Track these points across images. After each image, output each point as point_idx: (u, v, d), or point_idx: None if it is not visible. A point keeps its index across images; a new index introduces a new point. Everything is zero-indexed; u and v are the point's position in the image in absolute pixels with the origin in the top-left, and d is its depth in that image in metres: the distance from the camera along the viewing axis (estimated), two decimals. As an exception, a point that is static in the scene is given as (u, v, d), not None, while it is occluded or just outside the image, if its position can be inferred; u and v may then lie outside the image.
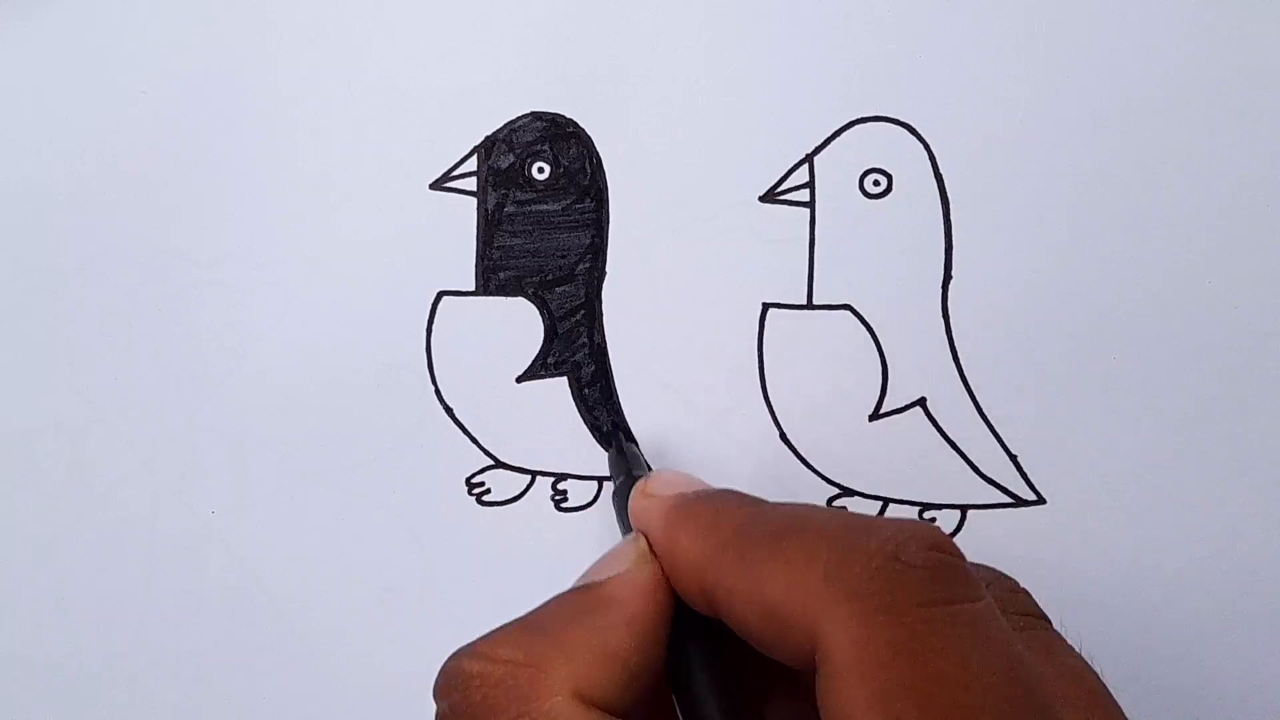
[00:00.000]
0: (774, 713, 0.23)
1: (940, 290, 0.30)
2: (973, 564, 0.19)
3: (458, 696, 0.20)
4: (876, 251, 0.30)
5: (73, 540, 0.31)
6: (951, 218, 0.30)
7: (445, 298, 0.31)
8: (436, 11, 0.30)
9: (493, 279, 0.31)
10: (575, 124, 0.30)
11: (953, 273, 0.30)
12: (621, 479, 0.26)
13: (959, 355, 0.30)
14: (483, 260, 0.31)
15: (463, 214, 0.31)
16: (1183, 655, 0.29)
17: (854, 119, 0.30)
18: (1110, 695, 0.21)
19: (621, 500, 0.25)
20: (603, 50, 0.30)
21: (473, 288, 0.31)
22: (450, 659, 0.20)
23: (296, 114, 0.31)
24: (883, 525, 0.19)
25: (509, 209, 0.30)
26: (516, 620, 0.21)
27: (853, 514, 0.20)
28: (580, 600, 0.21)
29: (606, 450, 0.30)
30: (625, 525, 0.24)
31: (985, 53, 0.29)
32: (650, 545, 0.22)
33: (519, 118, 0.30)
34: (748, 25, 0.30)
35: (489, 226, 0.31)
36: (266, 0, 0.30)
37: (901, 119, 0.30)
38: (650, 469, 0.27)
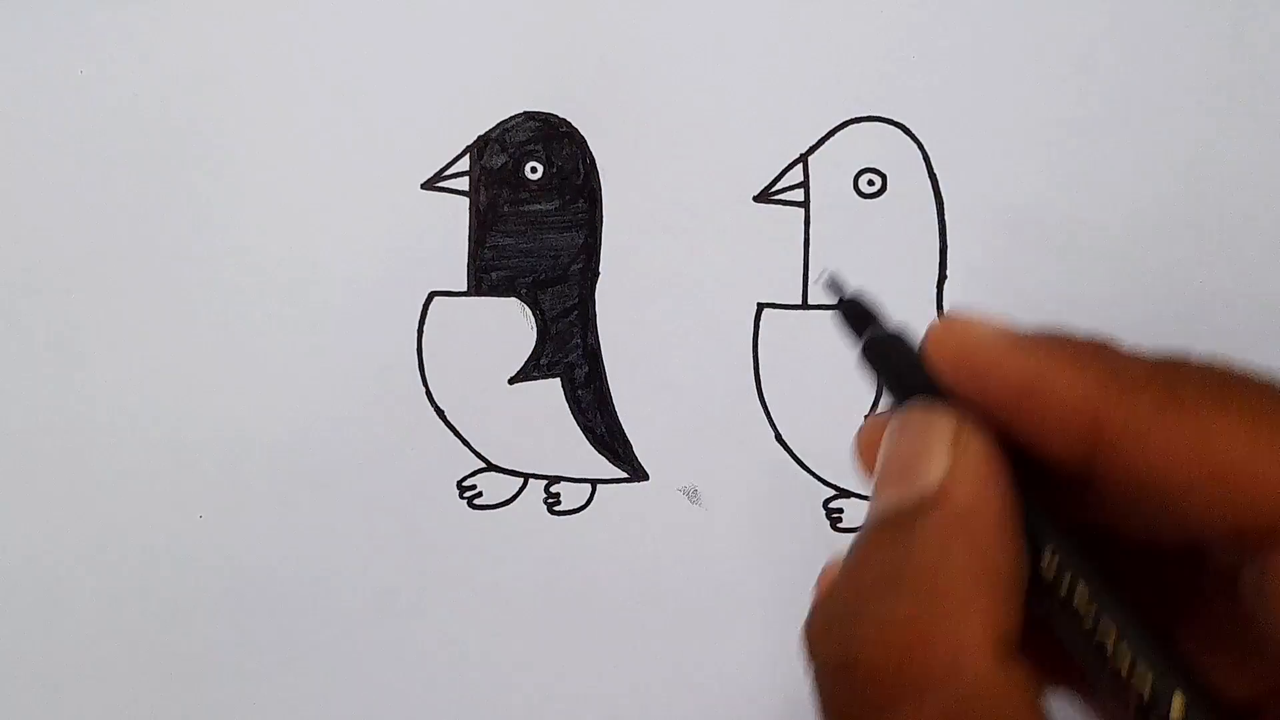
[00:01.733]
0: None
1: (935, 289, 0.30)
2: None
3: (861, 672, 0.16)
4: (871, 251, 0.30)
5: (67, 541, 0.31)
6: (946, 217, 0.30)
7: (437, 298, 0.30)
8: (429, 11, 0.30)
9: (485, 279, 0.30)
10: (568, 124, 0.30)
11: (947, 272, 0.29)
12: (880, 331, 0.20)
13: (955, 356, 0.29)
14: (475, 260, 0.30)
15: (455, 214, 0.30)
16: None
17: (848, 119, 0.30)
18: None
19: (878, 357, 0.20)
20: (596, 50, 0.30)
21: (465, 288, 0.30)
22: (830, 625, 0.16)
23: (289, 114, 0.30)
24: None
25: (502, 209, 0.30)
26: (882, 571, 0.16)
27: None
28: (941, 523, 0.16)
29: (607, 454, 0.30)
30: (896, 386, 0.19)
31: (979, 52, 0.29)
32: (975, 390, 0.18)
33: (512, 117, 0.30)
34: (741, 25, 0.30)
35: (481, 226, 0.30)
36: (259, 2, 0.30)
37: (895, 119, 0.30)
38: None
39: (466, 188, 0.30)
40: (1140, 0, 0.29)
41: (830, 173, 0.30)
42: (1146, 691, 0.15)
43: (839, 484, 0.30)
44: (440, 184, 0.30)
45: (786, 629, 0.30)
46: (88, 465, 0.30)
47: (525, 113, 0.30)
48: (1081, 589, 0.16)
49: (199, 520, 0.30)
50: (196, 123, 0.30)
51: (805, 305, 0.30)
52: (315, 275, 0.30)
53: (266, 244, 0.30)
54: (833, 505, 0.30)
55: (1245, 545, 0.16)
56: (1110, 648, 0.16)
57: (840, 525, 0.30)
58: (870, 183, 0.30)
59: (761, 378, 0.30)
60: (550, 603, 0.30)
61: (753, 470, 0.30)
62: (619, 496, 0.30)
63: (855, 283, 0.29)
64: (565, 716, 0.30)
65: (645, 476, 0.30)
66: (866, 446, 0.20)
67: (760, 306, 0.30)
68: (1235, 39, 0.29)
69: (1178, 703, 0.15)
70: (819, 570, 0.30)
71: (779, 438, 0.30)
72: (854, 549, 0.17)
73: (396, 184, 0.30)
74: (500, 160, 0.30)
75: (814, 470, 0.30)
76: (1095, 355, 0.18)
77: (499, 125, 0.30)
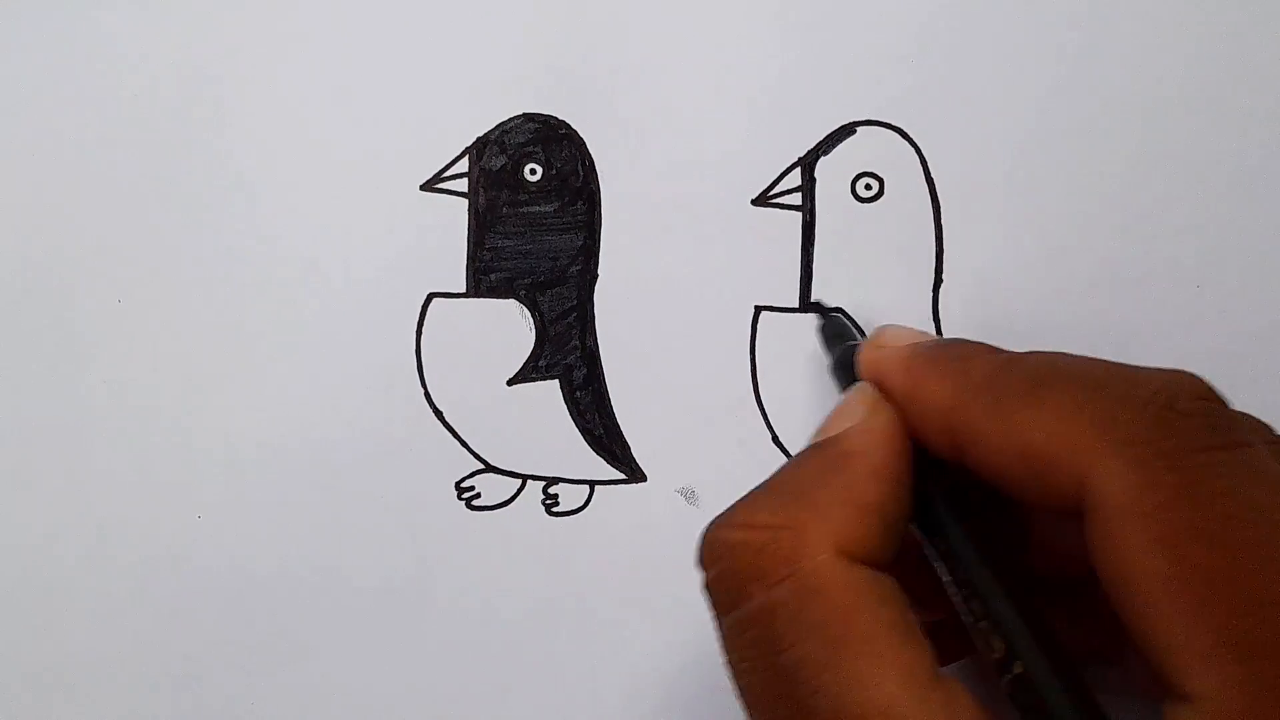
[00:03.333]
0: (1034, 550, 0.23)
1: (931, 294, 0.30)
2: (1237, 411, 0.19)
3: (724, 565, 0.20)
4: (868, 255, 0.30)
5: (66, 540, 0.31)
6: (943, 222, 0.30)
7: (435, 299, 0.30)
8: (429, 12, 0.30)
9: (484, 281, 0.30)
10: (568, 126, 0.30)
11: (944, 276, 0.30)
12: (841, 348, 0.26)
13: (950, 359, 0.30)
14: (474, 262, 0.30)
15: (454, 215, 0.30)
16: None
17: (846, 123, 0.30)
18: None
19: (842, 368, 0.25)
20: (596, 52, 0.30)
21: (463, 289, 0.30)
22: (710, 530, 0.21)
23: (288, 115, 0.30)
24: (1150, 375, 0.19)
25: (501, 210, 0.30)
26: (764, 485, 0.21)
27: (1110, 363, 0.20)
28: (822, 457, 0.21)
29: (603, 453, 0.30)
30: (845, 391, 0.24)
31: (977, 56, 0.29)
32: (883, 393, 0.22)
33: (511, 119, 0.30)
34: (741, 28, 0.30)
35: (480, 228, 0.30)
36: (258, 2, 0.30)
37: (893, 123, 0.30)
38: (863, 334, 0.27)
39: (465, 189, 0.30)
40: (1140, 2, 0.29)
41: (828, 176, 0.30)
42: (1001, 652, 0.19)
43: (835, 486, 0.30)
44: (439, 185, 0.30)
45: (784, 630, 0.30)
46: (86, 465, 0.30)
47: (524, 114, 0.30)
48: (960, 571, 0.20)
49: (197, 520, 0.30)
50: (195, 123, 0.30)
51: (802, 308, 0.30)
52: (314, 276, 0.30)
53: (265, 244, 0.30)
54: (829, 507, 0.30)
55: (1068, 517, 0.19)
56: (975, 617, 0.19)
57: (836, 527, 0.30)
58: (868, 187, 0.30)
59: (759, 380, 0.30)
60: (548, 603, 0.30)
61: (750, 472, 0.29)
62: (617, 498, 0.30)
63: (850, 287, 0.29)
64: (564, 717, 0.30)
65: (643, 478, 0.30)
66: None
67: (758, 309, 0.30)
68: (1235, 40, 0.29)
69: (1018, 665, 0.18)
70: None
71: (776, 439, 0.30)
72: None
73: (395, 185, 0.30)
74: (499, 162, 0.30)
75: (810, 472, 0.30)
76: (952, 367, 0.21)
77: (498, 127, 0.30)
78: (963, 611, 0.20)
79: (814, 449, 0.21)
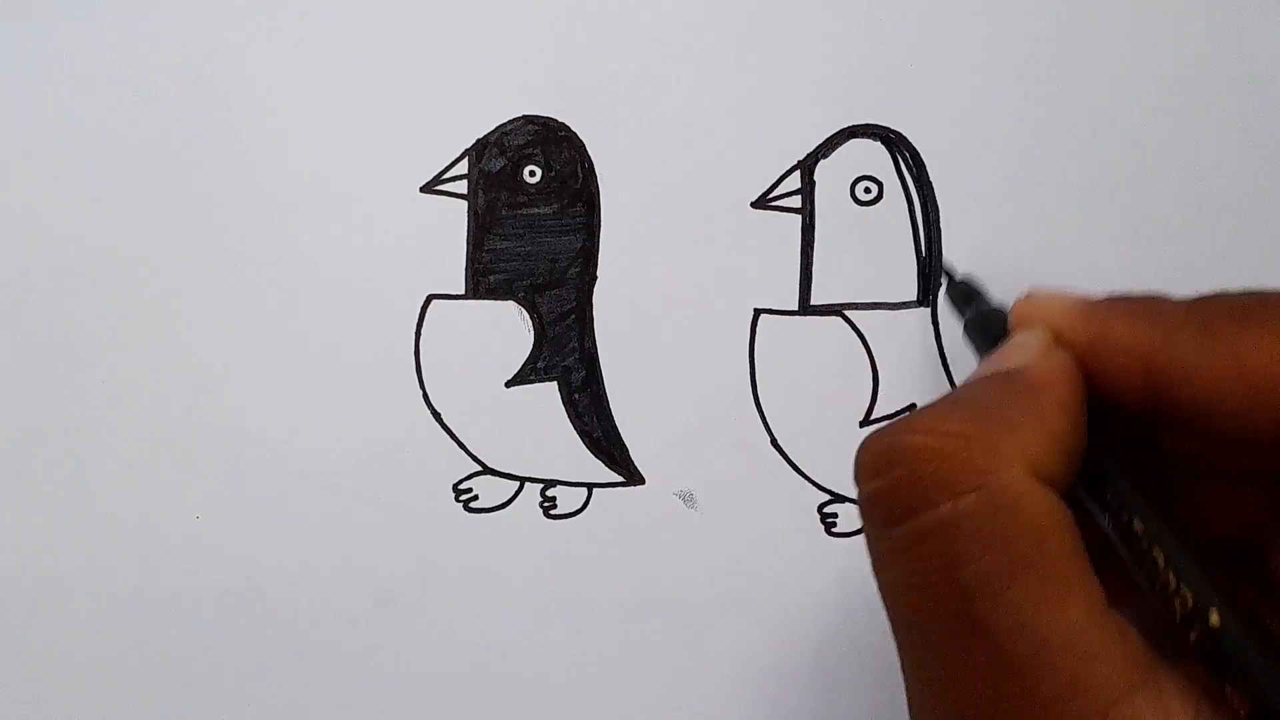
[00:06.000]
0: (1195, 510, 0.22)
1: (930, 297, 0.30)
2: None
3: (902, 471, 0.18)
4: (868, 258, 0.30)
5: (64, 540, 0.31)
6: (941, 225, 0.30)
7: (434, 301, 0.30)
8: (429, 14, 0.30)
9: (483, 282, 0.30)
10: (567, 128, 0.30)
11: (942, 280, 0.30)
12: (982, 306, 0.26)
13: (949, 362, 0.30)
14: (473, 263, 0.30)
15: (453, 217, 0.30)
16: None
17: (845, 126, 0.30)
18: None
19: (979, 331, 0.25)
20: (596, 54, 0.30)
21: (462, 291, 0.30)
22: (882, 435, 0.19)
23: (288, 116, 0.30)
24: None
25: (500, 212, 0.30)
26: (946, 400, 0.20)
27: None
28: (1007, 383, 0.20)
29: (600, 456, 0.30)
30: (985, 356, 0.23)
31: (976, 61, 0.29)
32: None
33: (510, 121, 0.30)
34: (741, 31, 0.30)
35: (479, 230, 0.30)
36: (258, 3, 0.30)
37: (893, 127, 0.30)
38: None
39: (465, 191, 0.30)
40: (1139, 6, 0.29)
41: (827, 179, 0.30)
42: (1190, 604, 0.18)
43: (834, 489, 0.30)
44: (439, 187, 0.30)
45: (781, 632, 0.30)
46: (85, 465, 0.30)
47: (524, 116, 0.30)
48: (1138, 522, 0.19)
49: (195, 521, 0.30)
50: (195, 124, 0.30)
51: (802, 311, 0.30)
52: (313, 277, 0.30)
53: (265, 246, 0.30)
54: (827, 510, 0.30)
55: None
56: (1161, 568, 0.19)
57: (835, 530, 0.30)
58: (867, 190, 0.30)
59: (758, 383, 0.30)
60: (546, 606, 0.30)
61: (748, 475, 0.30)
62: (615, 500, 0.30)
63: (849, 290, 0.29)
64: (562, 718, 0.30)
65: (641, 480, 0.30)
66: None
67: (757, 312, 0.30)
68: (1235, 43, 0.29)
69: (1214, 614, 0.18)
70: (813, 574, 0.30)
71: (774, 443, 0.30)
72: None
73: (395, 187, 0.30)
74: (499, 163, 0.30)
75: (809, 475, 0.30)
76: (1144, 308, 0.20)
77: (498, 128, 0.30)
78: (1138, 564, 0.19)
79: (995, 376, 0.20)
